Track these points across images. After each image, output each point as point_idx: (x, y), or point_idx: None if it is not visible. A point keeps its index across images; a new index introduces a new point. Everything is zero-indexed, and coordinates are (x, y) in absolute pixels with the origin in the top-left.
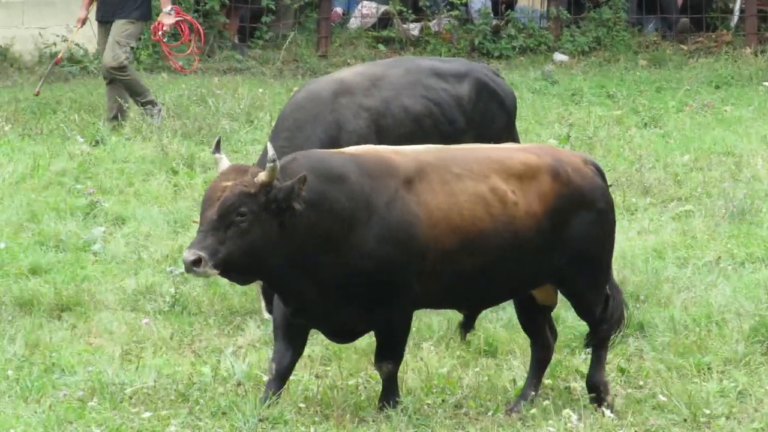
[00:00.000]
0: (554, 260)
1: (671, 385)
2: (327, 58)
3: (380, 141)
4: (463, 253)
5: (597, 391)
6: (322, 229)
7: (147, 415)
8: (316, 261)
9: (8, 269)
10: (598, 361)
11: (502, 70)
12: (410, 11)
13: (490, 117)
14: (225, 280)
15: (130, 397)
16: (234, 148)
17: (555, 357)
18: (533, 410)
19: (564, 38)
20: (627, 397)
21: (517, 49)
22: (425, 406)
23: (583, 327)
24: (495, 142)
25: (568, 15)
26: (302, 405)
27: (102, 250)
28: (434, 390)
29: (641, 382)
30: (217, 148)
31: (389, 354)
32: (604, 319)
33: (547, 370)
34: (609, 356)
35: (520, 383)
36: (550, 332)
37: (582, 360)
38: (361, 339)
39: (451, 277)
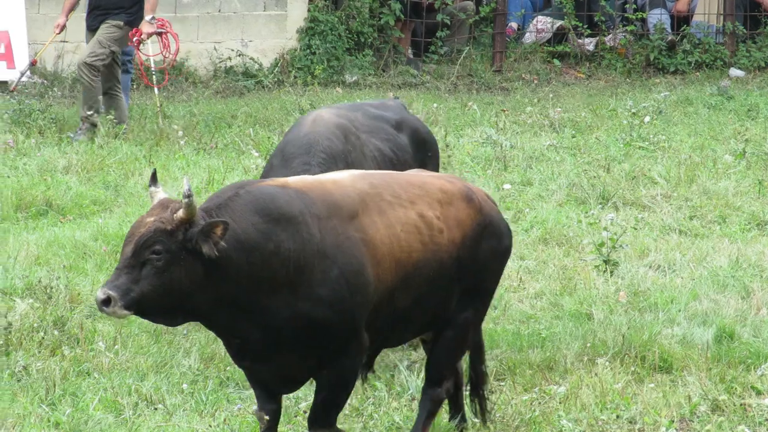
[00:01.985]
0: (458, 293)
1: None
2: (501, 73)
3: None
4: (401, 289)
5: None
6: (265, 271)
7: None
8: (259, 305)
9: None
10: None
11: (677, 85)
12: (585, 26)
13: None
14: None
15: (305, 412)
16: None
17: (730, 373)
18: (708, 427)
19: (740, 53)
20: None
21: (692, 65)
22: (599, 422)
23: (759, 344)
24: None
25: (744, 30)
26: (475, 420)
27: None
28: (608, 406)
29: None
30: (153, 180)
31: (325, 416)
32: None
33: (722, 385)
34: None
35: (695, 399)
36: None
37: (758, 376)
38: (535, 353)
39: (388, 316)
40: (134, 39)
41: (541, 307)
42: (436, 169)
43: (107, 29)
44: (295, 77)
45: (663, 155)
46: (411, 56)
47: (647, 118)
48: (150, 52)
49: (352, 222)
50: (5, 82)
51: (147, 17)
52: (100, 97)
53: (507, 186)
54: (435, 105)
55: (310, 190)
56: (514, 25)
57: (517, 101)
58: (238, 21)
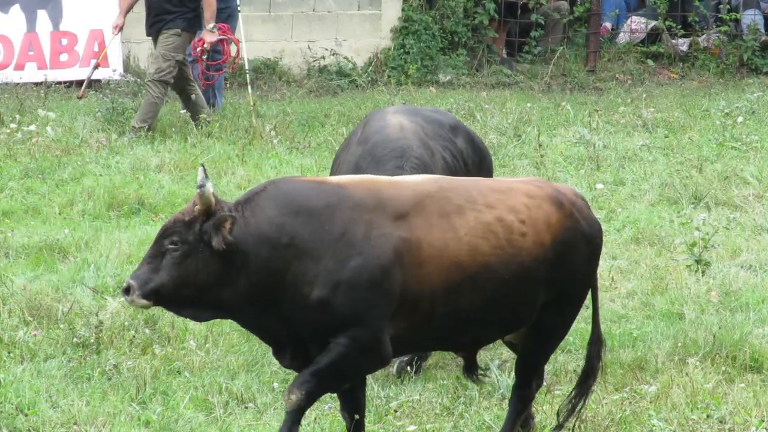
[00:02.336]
0: (545, 295)
1: None
2: (595, 73)
3: None
4: (465, 290)
5: None
6: (279, 263)
7: (412, 428)
8: (280, 298)
9: None
10: (515, 419)
11: None
12: (679, 27)
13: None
14: None
15: (395, 411)
16: (502, 163)
17: None
18: None
19: None
20: None
21: None
22: (689, 421)
23: None
24: None
25: None
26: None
27: None
28: (699, 405)
29: None
30: (204, 175)
31: (309, 379)
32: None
33: None
34: None
35: None
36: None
37: None
38: (626, 352)
39: (447, 316)
40: (197, 49)
41: (633, 306)
42: (489, 175)
43: (166, 40)
44: (389, 76)
45: (755, 155)
46: (505, 56)
47: (740, 119)
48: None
49: (397, 220)
50: (98, 81)
51: (208, 26)
52: (158, 110)
53: (600, 186)
54: (528, 105)
55: (354, 186)
56: (608, 25)
57: (611, 101)
58: (332, 20)
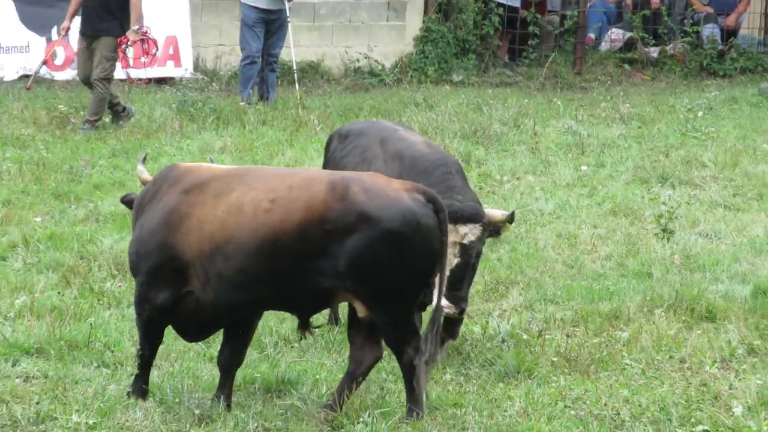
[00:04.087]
0: (326, 271)
1: None
2: (581, 75)
3: None
4: (219, 256)
5: None
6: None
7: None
8: None
9: None
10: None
11: (725, 87)
12: (651, 37)
13: None
14: (495, 255)
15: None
16: (503, 148)
17: (764, 322)
18: (744, 366)
19: None
20: None
21: (738, 70)
22: (655, 361)
23: None
24: None
25: None
26: (554, 359)
27: None
28: (663, 348)
29: None
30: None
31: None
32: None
33: (756, 332)
34: None
35: (734, 343)
36: (370, 350)
37: None
38: (604, 304)
39: (220, 280)
40: (122, 46)
41: (610, 266)
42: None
43: (105, 44)
44: (411, 76)
45: (712, 144)
46: (507, 60)
47: (700, 113)
48: (133, 55)
49: (185, 195)
50: (173, 78)
51: (134, 27)
52: (105, 105)
53: (584, 168)
54: (526, 101)
55: (189, 171)
56: (592, 35)
57: (594, 98)
58: (365, 30)
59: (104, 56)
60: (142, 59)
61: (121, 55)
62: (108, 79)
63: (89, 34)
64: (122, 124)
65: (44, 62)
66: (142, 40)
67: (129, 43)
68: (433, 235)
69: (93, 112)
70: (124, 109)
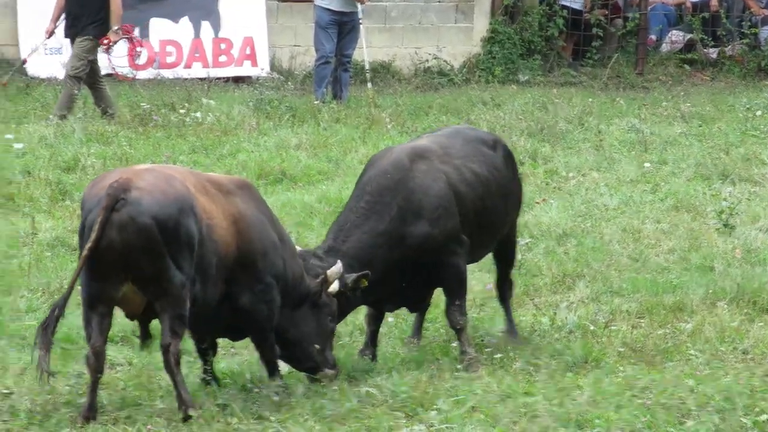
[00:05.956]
0: None
1: None
2: (643, 75)
3: (459, 204)
4: None
5: None
6: None
7: (498, 356)
8: None
9: None
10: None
11: None
12: (710, 39)
13: (514, 173)
14: (562, 249)
15: (482, 339)
16: (569, 145)
17: None
18: None
19: None
20: None
21: None
22: (719, 352)
23: None
24: (519, 193)
25: None
26: (621, 349)
27: None
28: (727, 339)
29: None
30: None
31: None
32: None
33: None
34: None
35: None
36: None
37: None
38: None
39: None
40: (103, 46)
41: (673, 260)
42: (518, 177)
43: (81, 44)
44: (479, 76)
45: None
46: (571, 61)
47: (759, 112)
48: (118, 54)
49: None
50: (250, 77)
51: (114, 27)
52: (74, 101)
53: (647, 165)
54: (590, 100)
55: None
56: (653, 37)
57: (655, 98)
58: (434, 31)
59: (76, 55)
60: (135, 60)
61: (106, 54)
62: (78, 77)
63: (67, 36)
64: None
65: (23, 62)
66: (128, 39)
67: (111, 43)
68: None
69: (60, 108)
70: (65, 116)
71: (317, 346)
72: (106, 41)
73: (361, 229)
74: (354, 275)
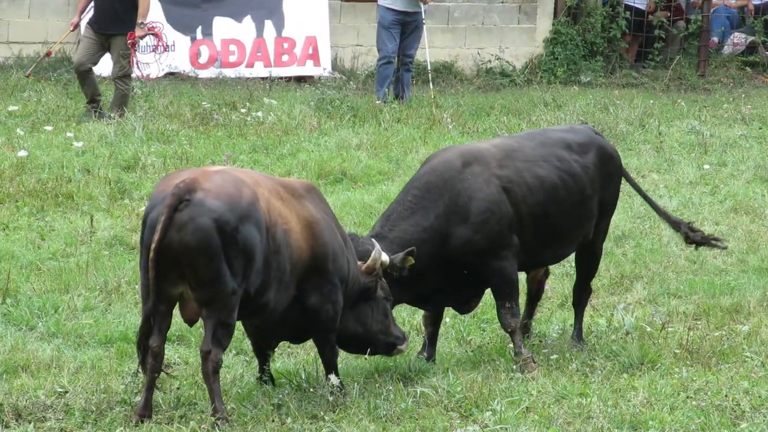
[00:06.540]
0: None
1: None
2: (704, 77)
3: (515, 208)
4: None
5: None
6: None
7: (554, 357)
8: None
9: None
10: None
11: None
12: None
13: (609, 179)
14: (620, 250)
15: (540, 341)
16: (629, 146)
17: None
18: None
19: None
20: None
21: None
22: None
23: None
24: (612, 200)
25: None
26: (677, 351)
27: None
28: None
29: None
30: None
31: None
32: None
33: None
34: None
35: None
36: None
37: None
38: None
39: None
40: (128, 41)
41: (731, 262)
42: (620, 176)
43: (122, 43)
44: (541, 77)
45: None
46: (633, 62)
47: None
48: (144, 50)
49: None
50: (312, 77)
51: (139, 21)
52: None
53: (707, 166)
54: (651, 101)
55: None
56: (715, 39)
57: (716, 100)
58: (497, 32)
59: (120, 55)
60: (154, 55)
61: (132, 50)
62: (127, 75)
63: (102, 32)
64: (87, 118)
65: (47, 55)
66: (154, 35)
67: (137, 38)
68: None
69: (116, 108)
70: (101, 110)
71: (383, 333)
72: (130, 39)
73: (408, 221)
74: (401, 254)
